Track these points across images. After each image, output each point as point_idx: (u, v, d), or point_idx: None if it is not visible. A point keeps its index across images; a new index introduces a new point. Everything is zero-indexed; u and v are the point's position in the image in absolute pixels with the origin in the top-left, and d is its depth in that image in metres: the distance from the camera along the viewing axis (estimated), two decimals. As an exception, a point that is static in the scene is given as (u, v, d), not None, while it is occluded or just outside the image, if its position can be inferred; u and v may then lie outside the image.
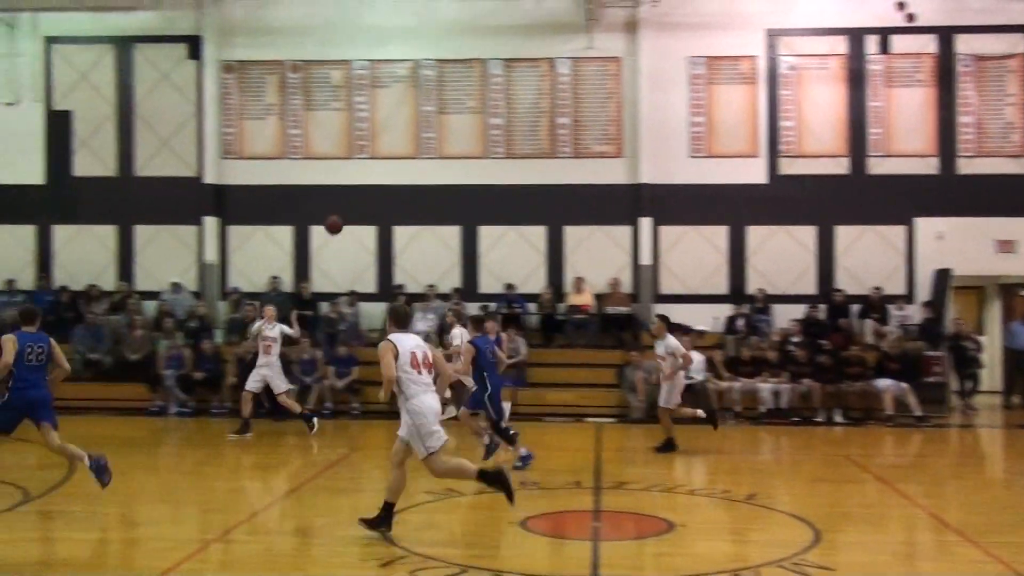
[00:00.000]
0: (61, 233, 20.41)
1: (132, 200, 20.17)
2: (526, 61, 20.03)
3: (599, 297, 19.48)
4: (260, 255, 20.12)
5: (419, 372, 8.73)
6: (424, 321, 18.75)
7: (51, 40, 20.40)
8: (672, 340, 13.82)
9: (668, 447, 13.78)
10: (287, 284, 19.89)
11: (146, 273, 20.20)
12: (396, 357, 8.63)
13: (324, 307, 19.52)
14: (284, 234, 20.18)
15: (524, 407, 17.78)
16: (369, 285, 19.99)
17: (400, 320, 9.09)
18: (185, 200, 20.00)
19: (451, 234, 20.05)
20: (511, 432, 12.37)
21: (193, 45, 20.17)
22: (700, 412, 14.40)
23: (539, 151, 19.97)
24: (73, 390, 17.88)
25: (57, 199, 20.29)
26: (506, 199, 19.88)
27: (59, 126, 20.41)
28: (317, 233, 20.02)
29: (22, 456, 13.85)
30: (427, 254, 20.02)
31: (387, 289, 19.85)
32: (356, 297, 19.53)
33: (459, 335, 15.00)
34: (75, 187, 20.35)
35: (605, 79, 19.90)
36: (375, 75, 20.15)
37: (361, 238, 20.00)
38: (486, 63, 20.04)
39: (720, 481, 12.16)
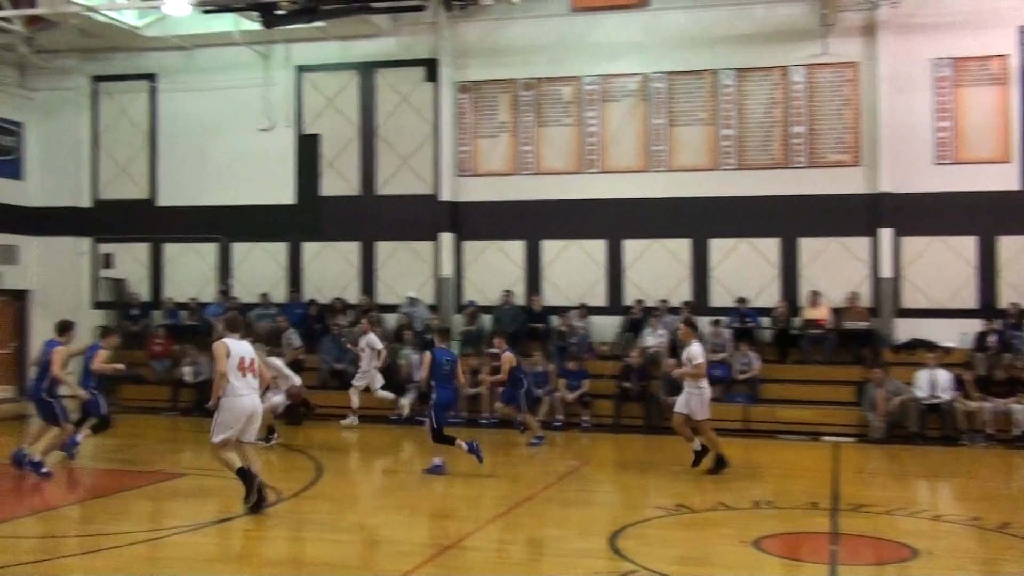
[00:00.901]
0: (309, 249, 21.61)
1: (373, 217, 21.12)
2: (758, 70, 19.61)
3: (836, 311, 18.76)
4: (493, 269, 20.61)
5: (243, 375, 10.06)
6: (655, 336, 18.67)
7: (302, 69, 21.67)
8: (695, 347, 13.01)
9: (719, 464, 12.86)
10: (519, 297, 20.28)
11: (386, 287, 21.10)
12: (228, 356, 9.95)
13: (555, 320, 19.77)
14: (516, 248, 20.58)
15: (757, 424, 17.38)
16: (599, 299, 20.07)
17: (232, 326, 10.41)
18: (422, 216, 20.76)
19: (681, 247, 19.86)
20: (453, 440, 12.71)
21: (430, 68, 20.93)
22: (697, 444, 13.09)
23: (772, 161, 19.49)
24: (321, 398, 18.95)
25: (306, 217, 21.51)
26: (738, 211, 19.50)
27: (308, 149, 21.64)
28: (548, 247, 20.34)
29: (277, 458, 14.74)
30: (657, 267, 19.90)
31: (617, 303, 19.89)
32: (586, 310, 19.66)
33: (372, 341, 17.19)
34: (322, 206, 21.51)
35: (841, 85, 19.21)
36: (605, 90, 20.26)
37: (591, 252, 20.14)
38: (717, 74, 19.76)
39: (969, 507, 11.46)
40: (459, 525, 10.47)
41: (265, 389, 12.07)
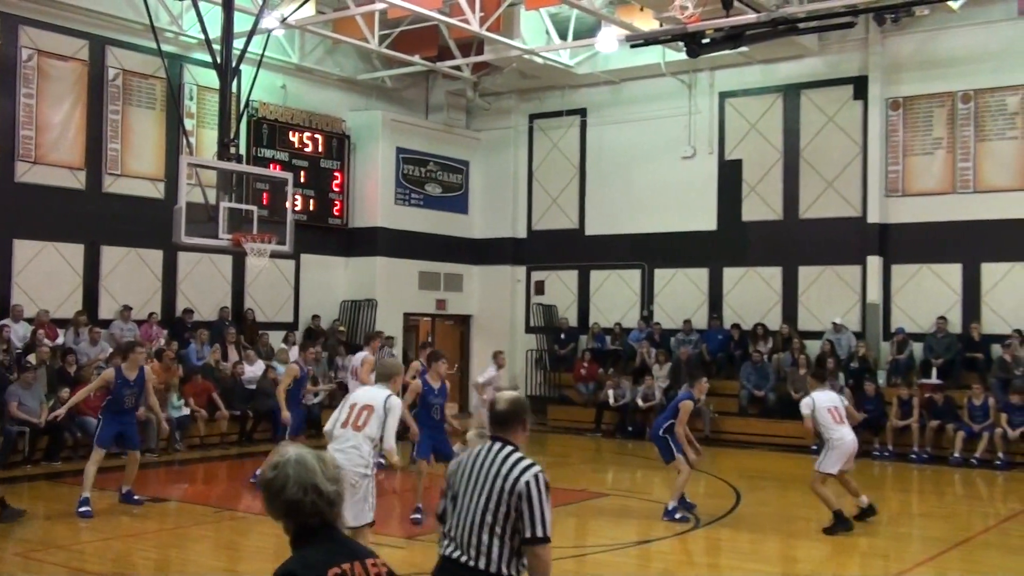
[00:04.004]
0: (730, 275, 21.51)
1: (796, 242, 20.61)
2: None
3: None
4: (925, 294, 19.32)
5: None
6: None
7: (724, 95, 21.69)
8: (816, 395, 10.97)
9: (838, 525, 10.82)
10: (954, 325, 18.86)
11: (809, 313, 20.49)
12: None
13: (996, 349, 18.16)
14: (952, 272, 19.16)
15: None
16: (1050, 327, 18.17)
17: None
18: (848, 240, 19.92)
19: None
20: None
21: (858, 86, 20.10)
22: (864, 501, 11.19)
23: None
24: (738, 424, 18.85)
25: (727, 243, 21.45)
26: None
27: (730, 175, 21.59)
28: (989, 270, 18.75)
29: (694, 485, 14.84)
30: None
31: (1072, 332, 17.89)
32: (1034, 340, 17.88)
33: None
34: (743, 231, 21.36)
35: None
36: (1057, 98, 18.37)
37: (1037, 275, 18.32)
38: None
39: None
40: (885, 564, 9.94)
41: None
